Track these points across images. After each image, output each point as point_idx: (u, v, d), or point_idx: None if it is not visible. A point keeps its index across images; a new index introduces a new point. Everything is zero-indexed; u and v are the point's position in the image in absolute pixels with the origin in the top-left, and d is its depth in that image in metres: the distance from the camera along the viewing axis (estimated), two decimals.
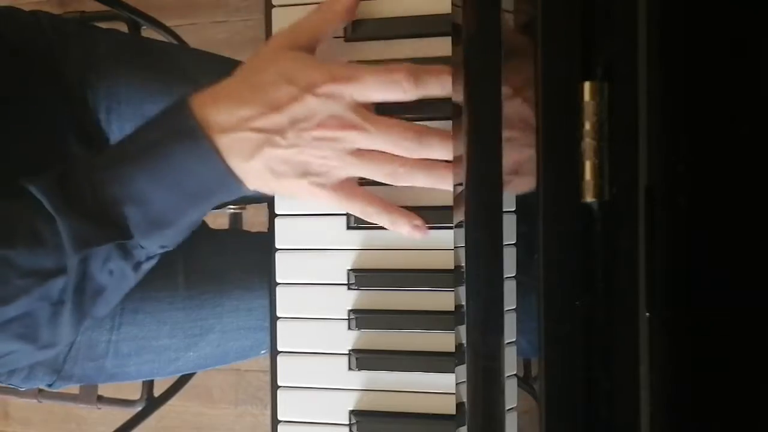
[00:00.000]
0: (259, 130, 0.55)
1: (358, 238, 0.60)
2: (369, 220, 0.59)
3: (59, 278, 0.57)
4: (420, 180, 0.56)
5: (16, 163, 0.70)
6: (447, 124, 0.56)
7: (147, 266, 0.62)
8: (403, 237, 0.59)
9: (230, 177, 0.56)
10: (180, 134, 0.55)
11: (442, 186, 0.56)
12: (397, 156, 0.56)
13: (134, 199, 0.56)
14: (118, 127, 0.80)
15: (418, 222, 0.58)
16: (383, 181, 0.57)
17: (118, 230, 0.57)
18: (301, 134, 0.55)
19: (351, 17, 0.58)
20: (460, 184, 0.52)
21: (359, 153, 0.55)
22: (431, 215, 0.58)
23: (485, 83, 0.50)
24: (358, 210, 0.58)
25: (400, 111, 0.57)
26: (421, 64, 0.55)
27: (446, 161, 0.56)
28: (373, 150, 0.56)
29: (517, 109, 0.49)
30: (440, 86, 0.55)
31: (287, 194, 0.59)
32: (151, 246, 0.59)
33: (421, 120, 0.57)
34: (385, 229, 0.59)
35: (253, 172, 0.56)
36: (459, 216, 0.52)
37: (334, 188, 0.57)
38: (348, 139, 0.55)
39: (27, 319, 0.58)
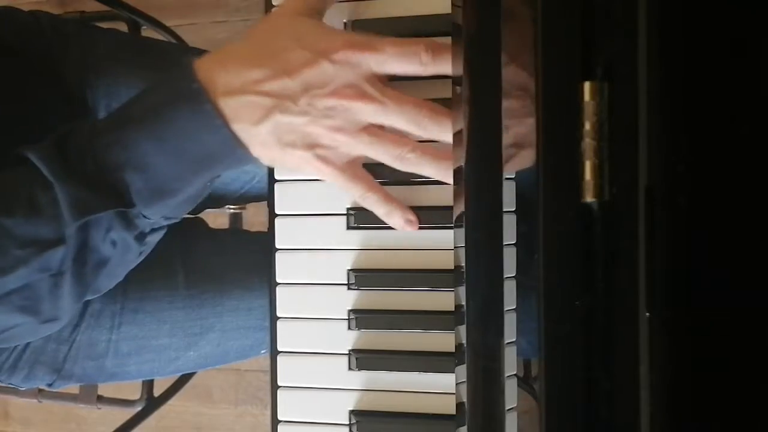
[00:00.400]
0: (269, 94, 0.52)
1: (358, 238, 0.60)
2: (365, 206, 0.58)
3: (58, 248, 0.55)
4: (426, 168, 0.55)
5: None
6: None
7: (152, 239, 0.60)
8: (403, 237, 0.59)
9: (234, 143, 0.54)
10: (183, 98, 0.53)
11: (447, 179, 0.55)
12: (407, 140, 0.54)
13: (135, 165, 0.54)
14: None
15: (412, 217, 0.57)
16: (390, 164, 0.55)
17: (119, 197, 0.55)
18: (313, 101, 0.52)
19: None
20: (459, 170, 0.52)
21: (371, 130, 0.54)
22: (431, 215, 0.58)
23: (485, 81, 0.50)
24: (359, 194, 0.57)
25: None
26: (441, 42, 0.54)
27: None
28: (383, 130, 0.54)
29: (514, 77, 0.48)
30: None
31: (290, 166, 0.56)
32: (154, 215, 0.57)
33: None
34: (385, 229, 0.59)
35: (260, 139, 0.54)
36: (459, 208, 0.52)
37: (340, 166, 0.55)
38: (362, 111, 0.53)
39: (27, 291, 0.56)
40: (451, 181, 0.55)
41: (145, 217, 0.57)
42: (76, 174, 0.54)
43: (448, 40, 0.56)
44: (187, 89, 0.53)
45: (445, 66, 0.53)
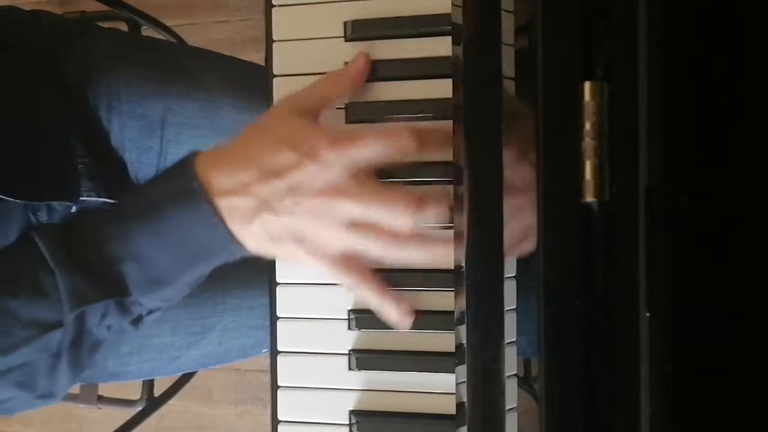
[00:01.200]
0: (257, 196, 0.55)
1: None
2: (360, 295, 0.59)
3: (57, 331, 0.57)
4: (412, 254, 0.56)
5: (16, 159, 0.70)
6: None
7: (150, 319, 0.62)
8: None
9: (230, 240, 0.56)
10: (183, 196, 0.55)
11: (435, 264, 0.56)
12: (392, 232, 0.55)
13: (134, 257, 0.56)
14: (119, 126, 0.80)
15: (407, 311, 0.58)
16: (378, 255, 0.56)
17: (116, 287, 0.57)
18: (298, 201, 0.54)
19: (358, 88, 0.58)
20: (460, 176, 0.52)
21: (355, 226, 0.55)
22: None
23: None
24: (352, 285, 0.58)
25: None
26: (424, 127, 0.55)
27: (440, 239, 0.55)
28: (369, 223, 0.55)
29: (518, 172, 0.49)
30: (444, 149, 0.55)
31: (286, 258, 0.59)
32: (150, 303, 0.60)
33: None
34: None
35: (252, 236, 0.56)
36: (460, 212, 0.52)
37: (331, 258, 0.57)
38: (344, 209, 0.54)
39: (26, 367, 0.58)
40: (437, 265, 0.56)
41: (140, 304, 0.59)
42: (78, 264, 0.57)
43: (446, 41, 0.56)
44: (187, 188, 0.55)
45: (431, 150, 0.55)
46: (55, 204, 0.73)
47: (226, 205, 0.55)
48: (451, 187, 0.54)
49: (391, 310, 0.58)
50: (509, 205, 0.49)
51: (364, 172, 0.55)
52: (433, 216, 0.54)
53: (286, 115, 0.56)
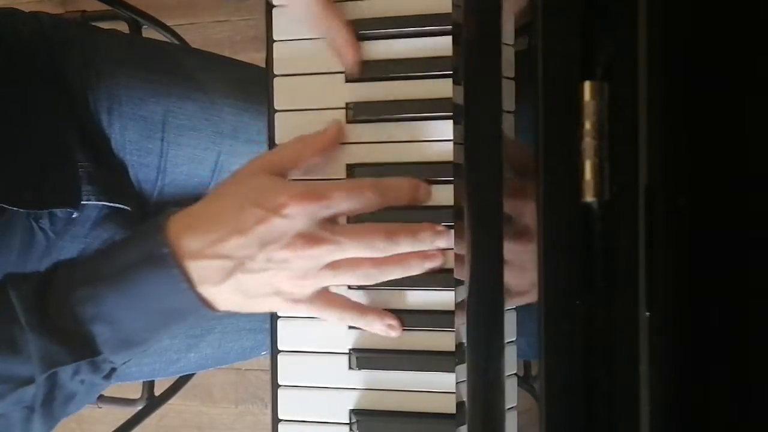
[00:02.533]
0: (228, 256, 0.55)
1: None
2: (345, 324, 0.60)
3: (30, 386, 0.58)
4: (394, 274, 0.57)
5: (18, 167, 0.70)
6: None
7: (122, 370, 0.62)
8: None
9: (200, 303, 0.57)
10: (153, 261, 0.56)
11: (410, 274, 0.57)
12: (367, 258, 0.56)
13: (106, 319, 0.57)
14: (119, 128, 0.80)
15: (393, 322, 0.59)
16: (358, 284, 0.58)
17: (88, 348, 0.58)
18: (270, 256, 0.55)
19: (330, 152, 0.59)
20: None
21: (333, 265, 0.56)
22: (432, 215, 0.58)
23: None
24: (335, 317, 0.59)
25: None
26: (386, 181, 0.57)
27: (416, 252, 0.57)
28: (344, 260, 0.56)
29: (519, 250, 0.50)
30: (404, 197, 0.57)
31: (259, 311, 0.59)
32: (121, 360, 0.60)
33: None
34: None
35: (224, 296, 0.57)
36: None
37: (309, 300, 0.57)
38: (319, 255, 0.55)
39: (2, 419, 0.59)
40: (418, 273, 0.57)
41: (111, 362, 0.59)
42: (50, 326, 0.57)
43: (446, 41, 0.56)
44: (158, 254, 0.56)
45: (392, 201, 0.57)
46: (57, 211, 0.73)
47: (197, 268, 0.56)
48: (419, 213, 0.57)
49: (378, 326, 0.59)
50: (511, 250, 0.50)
51: (330, 220, 0.56)
52: (404, 243, 0.56)
53: (252, 174, 0.57)
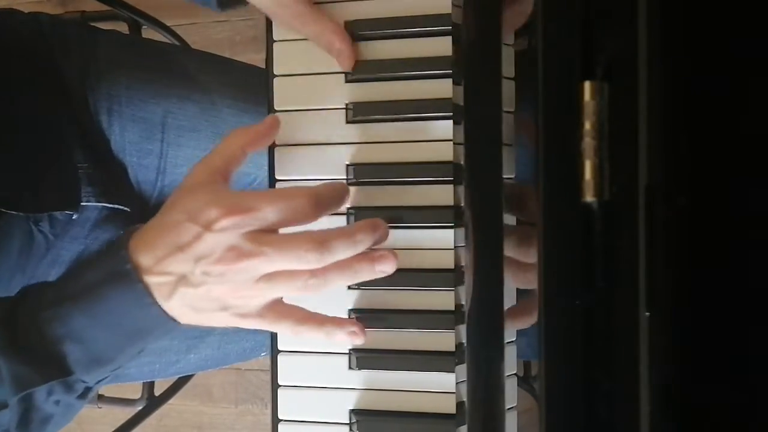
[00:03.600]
0: (170, 273, 0.55)
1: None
2: (302, 337, 0.59)
3: (5, 410, 0.58)
4: (337, 281, 0.56)
5: (17, 168, 0.70)
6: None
7: (97, 388, 0.63)
8: (403, 235, 0.59)
9: (164, 317, 0.57)
10: (117, 276, 0.56)
11: (361, 279, 0.57)
12: (307, 271, 0.55)
13: (74, 338, 0.57)
14: (119, 129, 0.80)
15: (355, 328, 0.58)
16: (299, 294, 0.57)
17: (58, 369, 0.58)
18: (207, 270, 0.55)
19: (265, 143, 0.59)
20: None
21: (267, 277, 0.55)
22: (432, 214, 0.58)
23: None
24: (289, 330, 0.58)
25: None
26: (320, 189, 0.56)
27: (362, 255, 0.56)
28: (279, 272, 0.55)
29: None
30: (338, 202, 0.56)
31: (216, 326, 0.59)
32: (93, 379, 0.60)
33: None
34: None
35: (177, 310, 0.57)
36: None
37: (259, 314, 0.57)
38: (250, 268, 0.55)
39: None
40: (364, 279, 0.57)
41: (84, 381, 0.60)
42: (20, 347, 0.57)
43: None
44: (121, 270, 0.56)
45: (327, 209, 0.56)
46: (57, 213, 0.73)
47: (149, 283, 0.56)
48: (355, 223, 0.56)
49: (339, 335, 0.58)
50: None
51: (261, 231, 0.55)
52: (340, 249, 0.55)
53: (192, 187, 0.57)
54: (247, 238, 0.54)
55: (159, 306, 0.56)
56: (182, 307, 0.57)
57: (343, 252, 0.55)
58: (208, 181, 0.57)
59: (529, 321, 0.50)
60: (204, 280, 0.55)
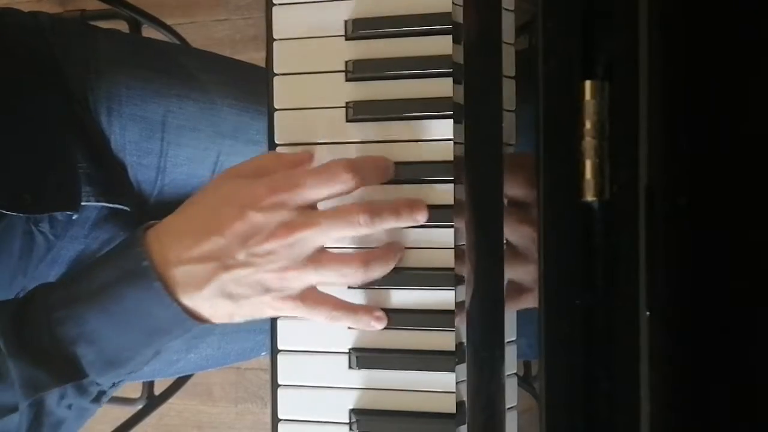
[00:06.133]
0: (208, 258, 0.54)
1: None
2: (333, 324, 0.59)
3: (15, 414, 0.57)
4: (379, 272, 0.57)
5: (17, 169, 0.70)
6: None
7: (111, 392, 0.62)
8: (404, 235, 0.59)
9: (184, 315, 0.56)
10: (134, 276, 0.55)
11: (388, 268, 0.57)
12: (351, 257, 0.56)
13: (88, 339, 0.56)
14: (119, 128, 0.80)
15: (379, 314, 0.58)
16: (342, 283, 0.57)
17: (72, 371, 0.57)
18: (252, 250, 0.54)
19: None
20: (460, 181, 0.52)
21: (316, 259, 0.55)
22: (433, 213, 0.58)
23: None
24: (325, 316, 0.58)
25: None
26: (359, 160, 0.57)
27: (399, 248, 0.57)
28: (329, 254, 0.56)
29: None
30: (378, 173, 0.56)
31: (248, 315, 0.58)
32: (107, 383, 0.59)
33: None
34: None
35: (207, 302, 0.56)
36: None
37: (300, 297, 0.57)
38: (303, 240, 0.54)
39: None
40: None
41: (98, 384, 0.59)
42: (30, 349, 0.56)
43: (447, 40, 0.56)
44: (138, 268, 0.55)
45: (371, 181, 0.56)
46: (57, 214, 0.73)
47: (175, 276, 0.55)
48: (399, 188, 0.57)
49: (366, 321, 0.58)
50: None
51: (309, 206, 0.55)
52: (386, 214, 0.55)
53: (224, 180, 0.57)
54: (297, 213, 0.54)
55: (179, 302, 0.55)
56: (215, 296, 0.55)
57: (388, 221, 0.55)
58: (238, 177, 0.57)
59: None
60: (250, 261, 0.54)
